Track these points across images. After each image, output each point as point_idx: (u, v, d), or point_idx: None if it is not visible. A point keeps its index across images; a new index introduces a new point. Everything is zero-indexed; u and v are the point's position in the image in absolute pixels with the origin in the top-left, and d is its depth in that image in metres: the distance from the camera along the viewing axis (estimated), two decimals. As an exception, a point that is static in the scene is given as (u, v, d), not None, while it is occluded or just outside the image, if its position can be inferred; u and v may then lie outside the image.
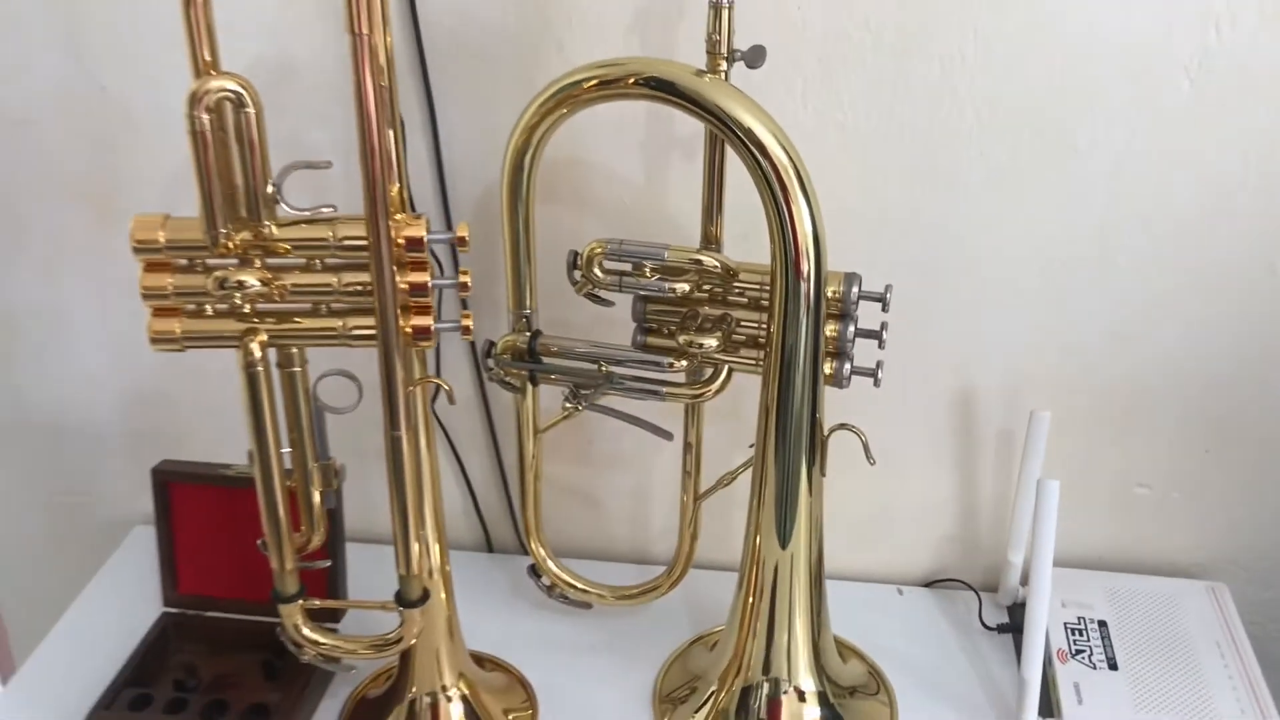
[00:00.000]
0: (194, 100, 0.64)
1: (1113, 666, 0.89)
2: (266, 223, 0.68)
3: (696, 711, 0.85)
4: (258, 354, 0.70)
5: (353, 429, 0.80)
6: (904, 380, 0.93)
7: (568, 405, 0.83)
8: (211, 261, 0.69)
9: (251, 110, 0.66)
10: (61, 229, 0.97)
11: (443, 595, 0.81)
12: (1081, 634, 0.92)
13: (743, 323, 0.78)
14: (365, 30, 0.63)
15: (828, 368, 0.76)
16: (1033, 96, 0.83)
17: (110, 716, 0.85)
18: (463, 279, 0.71)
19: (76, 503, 1.11)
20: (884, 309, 0.77)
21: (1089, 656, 0.90)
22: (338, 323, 0.71)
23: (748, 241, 0.85)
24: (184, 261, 0.69)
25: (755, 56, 0.74)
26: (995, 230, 0.88)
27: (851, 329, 0.76)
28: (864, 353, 0.78)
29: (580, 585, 0.94)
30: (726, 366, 0.81)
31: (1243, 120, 0.82)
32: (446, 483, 1.02)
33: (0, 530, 1.14)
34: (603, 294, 0.80)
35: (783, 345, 0.74)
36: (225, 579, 0.94)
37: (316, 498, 0.79)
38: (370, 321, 0.70)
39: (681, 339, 0.77)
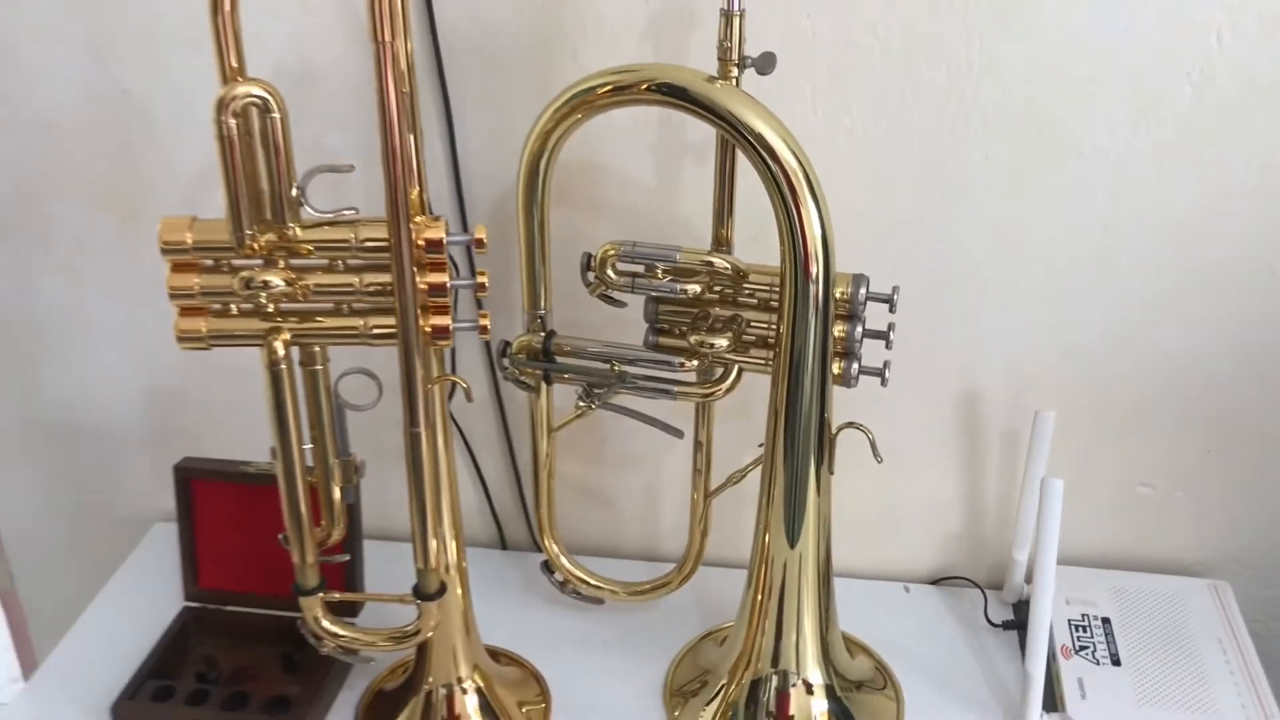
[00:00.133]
0: (221, 106, 0.65)
1: (1116, 662, 0.89)
2: (291, 225, 0.69)
3: (707, 704, 0.86)
4: (281, 352, 0.72)
5: (372, 428, 0.81)
6: (910, 380, 0.93)
7: (581, 404, 0.84)
8: (237, 262, 0.70)
9: (277, 115, 0.67)
10: (84, 230, 0.97)
11: (459, 590, 0.82)
12: (1085, 630, 0.92)
13: (753, 323, 0.79)
14: (387, 38, 0.64)
15: (836, 367, 0.77)
16: (1036, 102, 0.83)
17: (134, 707, 0.86)
18: (480, 280, 0.72)
19: (98, 500, 1.12)
20: (891, 310, 0.78)
21: (1092, 652, 0.90)
22: (359, 322, 0.72)
23: (758, 244, 0.85)
24: (210, 262, 0.70)
25: (766, 63, 0.74)
26: (999, 233, 0.88)
27: (859, 329, 0.77)
28: (871, 353, 0.79)
29: (593, 581, 0.94)
30: (737, 366, 0.81)
31: (1243, 125, 0.82)
32: (461, 481, 1.02)
33: (24, 527, 1.15)
34: (616, 295, 0.81)
35: (792, 345, 0.75)
36: (245, 574, 0.95)
37: (337, 493, 0.80)
38: (391, 321, 0.71)
39: (693, 339, 0.78)
